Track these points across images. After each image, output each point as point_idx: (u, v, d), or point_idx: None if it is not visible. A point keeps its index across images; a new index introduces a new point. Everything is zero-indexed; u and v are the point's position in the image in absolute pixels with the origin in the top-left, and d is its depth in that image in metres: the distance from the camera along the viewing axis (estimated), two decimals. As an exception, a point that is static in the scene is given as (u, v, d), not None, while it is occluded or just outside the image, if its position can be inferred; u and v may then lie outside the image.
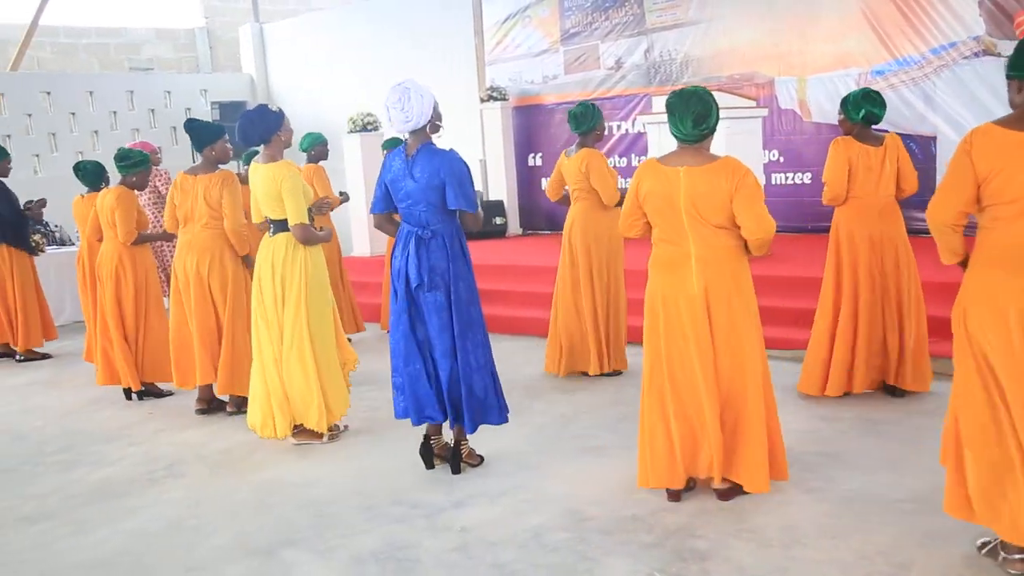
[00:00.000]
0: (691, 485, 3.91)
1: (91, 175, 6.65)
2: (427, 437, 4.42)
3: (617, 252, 5.88)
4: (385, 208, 4.35)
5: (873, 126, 4.98)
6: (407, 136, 4.20)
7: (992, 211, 3.00)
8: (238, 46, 14.63)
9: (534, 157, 10.95)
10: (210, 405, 5.63)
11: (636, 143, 9.77)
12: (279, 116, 4.76)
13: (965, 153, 2.99)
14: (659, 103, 8.06)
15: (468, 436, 4.39)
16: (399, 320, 4.27)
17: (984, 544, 3.20)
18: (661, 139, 7.51)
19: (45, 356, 7.71)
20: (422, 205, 4.14)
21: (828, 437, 4.55)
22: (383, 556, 3.53)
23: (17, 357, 7.64)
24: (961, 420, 3.09)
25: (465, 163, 4.19)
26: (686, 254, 3.70)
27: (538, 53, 10.81)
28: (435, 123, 4.17)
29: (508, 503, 3.98)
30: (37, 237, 8.03)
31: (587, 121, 5.83)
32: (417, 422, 4.34)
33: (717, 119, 3.69)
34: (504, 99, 10.79)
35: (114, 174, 6.25)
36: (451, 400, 4.25)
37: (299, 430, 4.91)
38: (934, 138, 7.94)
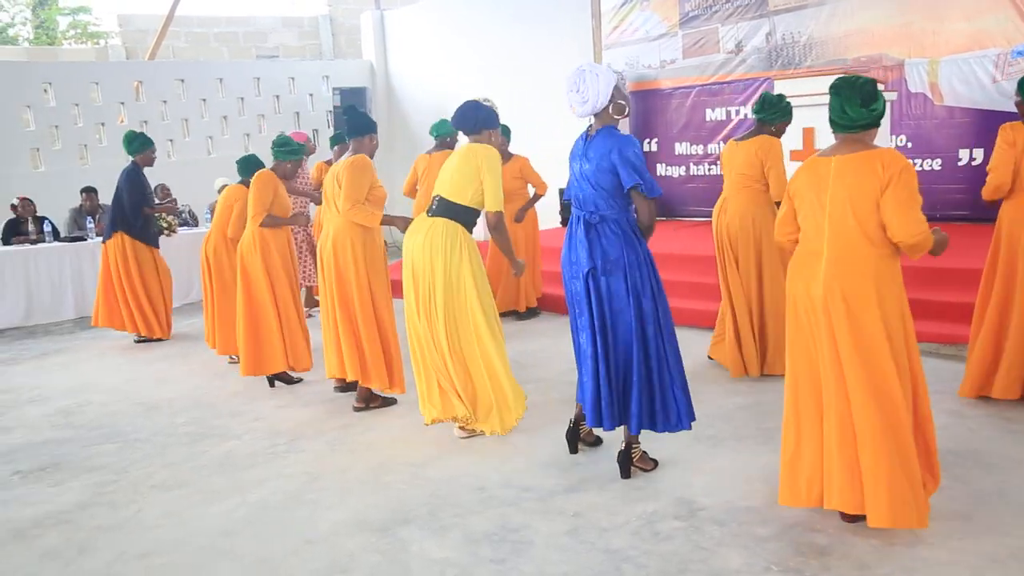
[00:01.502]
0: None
1: (252, 166, 6.66)
2: (575, 421, 4.42)
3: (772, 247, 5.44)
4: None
5: None
6: (591, 120, 4.04)
7: None
8: (359, 33, 14.94)
9: (650, 142, 10.81)
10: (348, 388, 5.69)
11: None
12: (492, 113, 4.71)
13: None
14: (781, 87, 7.84)
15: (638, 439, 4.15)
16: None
17: None
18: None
19: (156, 340, 7.92)
20: (592, 188, 3.93)
21: (959, 434, 4.36)
22: (496, 537, 3.57)
23: (136, 338, 7.93)
24: None
25: (639, 147, 3.91)
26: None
27: (656, 37, 10.65)
28: (618, 103, 3.93)
29: (619, 489, 3.97)
30: (170, 218, 8.38)
31: (775, 111, 5.51)
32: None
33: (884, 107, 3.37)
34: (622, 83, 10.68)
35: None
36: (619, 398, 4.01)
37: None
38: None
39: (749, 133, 5.64)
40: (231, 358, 6.80)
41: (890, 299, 3.29)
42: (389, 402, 5.43)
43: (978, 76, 7.86)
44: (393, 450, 4.68)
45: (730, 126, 9.89)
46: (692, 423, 4.01)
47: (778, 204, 5.19)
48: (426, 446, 4.70)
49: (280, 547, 3.62)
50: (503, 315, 6.83)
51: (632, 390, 3.93)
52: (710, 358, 5.95)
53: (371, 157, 5.27)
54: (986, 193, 4.63)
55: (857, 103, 3.31)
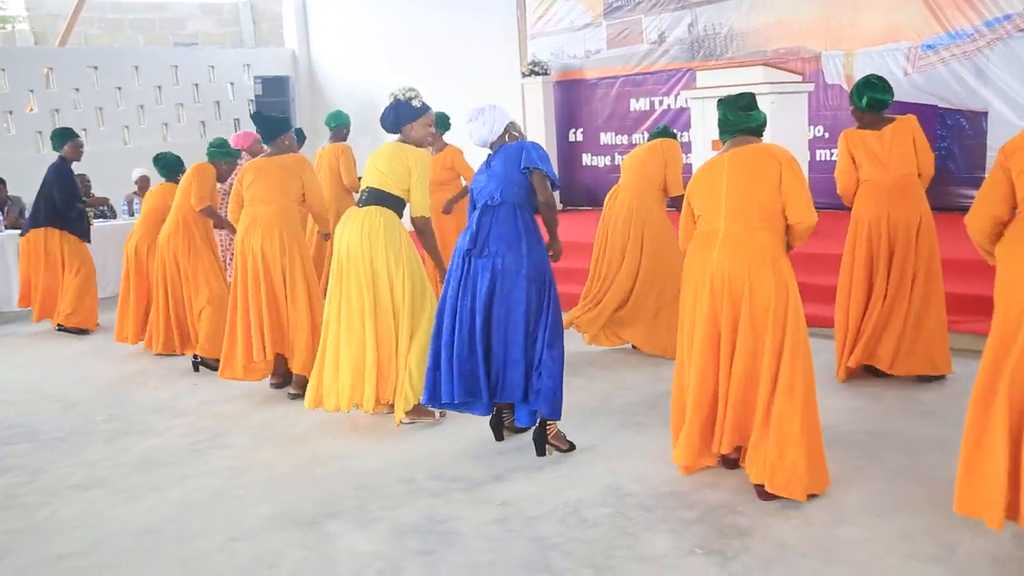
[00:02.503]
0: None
1: (172, 165, 6.81)
2: (499, 409, 4.44)
3: None
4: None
5: (884, 111, 4.90)
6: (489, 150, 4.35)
7: None
8: (281, 20, 14.67)
9: (575, 132, 10.88)
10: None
11: (679, 118, 9.65)
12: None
13: None
14: (703, 78, 7.95)
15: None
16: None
17: None
18: (705, 114, 7.41)
19: (83, 331, 7.74)
20: (498, 184, 4.20)
21: (873, 416, 4.50)
22: (424, 529, 3.56)
23: (56, 326, 7.76)
24: None
25: (542, 150, 4.26)
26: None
27: (581, 27, 10.71)
28: (512, 134, 4.31)
29: (547, 478, 4.00)
30: (89, 212, 8.20)
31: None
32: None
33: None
34: (546, 74, 10.71)
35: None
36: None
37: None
38: (985, 113, 7.74)
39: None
40: (148, 350, 6.72)
41: (782, 274, 3.59)
42: None
43: (891, 68, 8.07)
44: (321, 443, 4.64)
45: (654, 116, 10.00)
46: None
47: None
48: (355, 438, 4.67)
49: (204, 545, 3.56)
50: None
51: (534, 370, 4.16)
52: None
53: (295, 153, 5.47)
54: (840, 193, 5.03)
55: (736, 109, 3.72)
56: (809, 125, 8.27)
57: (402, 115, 4.68)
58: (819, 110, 8.65)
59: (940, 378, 4.98)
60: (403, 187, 4.65)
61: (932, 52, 8.01)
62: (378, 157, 4.71)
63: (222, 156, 6.26)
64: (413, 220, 4.72)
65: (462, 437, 4.55)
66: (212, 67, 12.96)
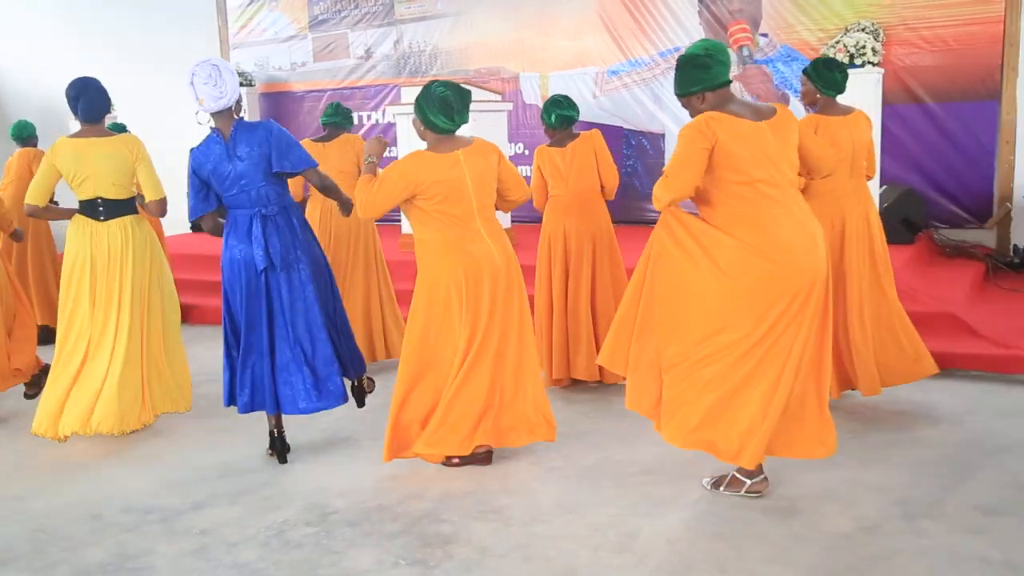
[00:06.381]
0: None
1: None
2: (277, 430, 4.30)
3: None
4: (207, 208, 4.13)
5: (571, 127, 5.18)
6: (211, 118, 4.05)
7: None
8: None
9: (283, 146, 10.66)
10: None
11: (387, 134, 9.73)
12: None
13: None
14: (408, 94, 8.08)
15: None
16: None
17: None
18: (410, 129, 7.48)
19: None
20: (261, 182, 4.05)
21: (569, 418, 4.75)
22: (112, 568, 3.31)
23: None
24: None
25: (279, 126, 4.16)
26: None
27: (286, 39, 10.54)
28: (239, 101, 4.11)
29: (251, 501, 3.86)
30: None
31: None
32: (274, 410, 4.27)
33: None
34: (251, 84, 10.41)
35: None
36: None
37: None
38: (663, 135, 8.52)
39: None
40: None
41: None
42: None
43: (581, 91, 8.66)
44: (-10, 484, 4.19)
45: (362, 131, 10.02)
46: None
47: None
48: (31, 477, 4.26)
49: None
50: None
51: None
52: None
53: None
54: (535, 204, 5.26)
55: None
56: (509, 142, 8.66)
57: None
58: (518, 128, 9.09)
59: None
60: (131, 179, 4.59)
61: (616, 77, 8.69)
62: (98, 161, 4.50)
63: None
64: (150, 206, 4.59)
65: (157, 464, 4.30)
66: None
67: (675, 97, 3.67)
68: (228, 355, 4.27)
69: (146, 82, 10.46)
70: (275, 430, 4.28)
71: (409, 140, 7.53)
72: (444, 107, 3.85)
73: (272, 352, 4.16)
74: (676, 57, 8.42)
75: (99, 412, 4.42)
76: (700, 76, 3.45)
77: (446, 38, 9.57)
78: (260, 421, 4.46)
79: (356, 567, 3.26)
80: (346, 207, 4.45)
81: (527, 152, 9.09)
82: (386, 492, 3.87)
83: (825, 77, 4.57)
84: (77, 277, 4.55)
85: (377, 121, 10.01)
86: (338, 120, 5.88)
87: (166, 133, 8.82)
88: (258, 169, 4.03)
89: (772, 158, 3.43)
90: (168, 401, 4.70)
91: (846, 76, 4.64)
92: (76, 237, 4.55)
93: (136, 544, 3.50)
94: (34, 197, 4.50)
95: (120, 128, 6.11)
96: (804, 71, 4.73)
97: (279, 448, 4.29)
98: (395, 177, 3.84)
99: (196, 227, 5.68)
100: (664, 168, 3.51)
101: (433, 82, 3.94)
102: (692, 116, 3.54)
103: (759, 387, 3.43)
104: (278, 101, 10.63)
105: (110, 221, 4.54)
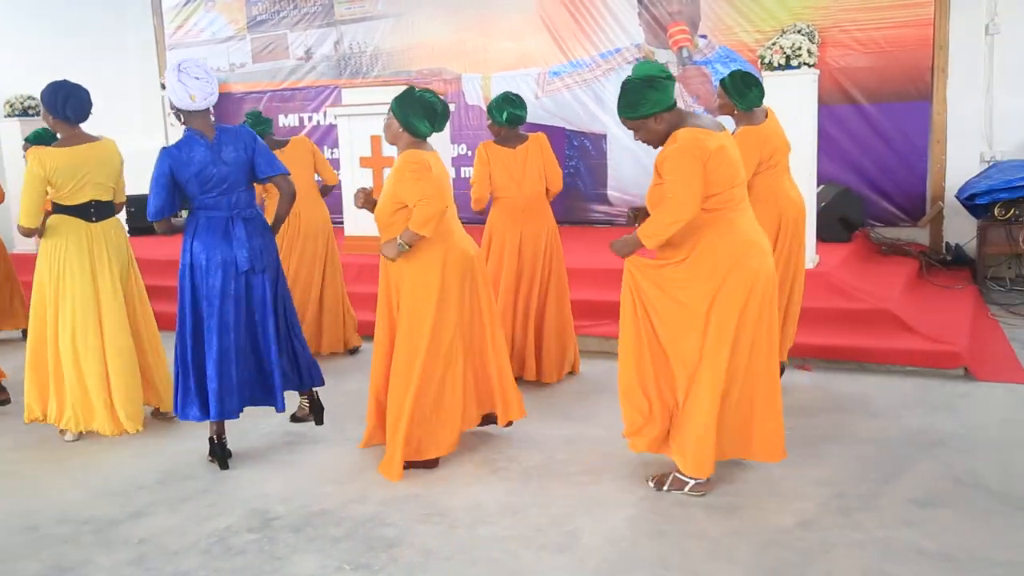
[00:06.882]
0: None
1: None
2: (219, 435, 4.25)
3: None
4: (174, 209, 4.05)
5: (520, 127, 5.19)
6: (194, 117, 4.07)
7: None
8: None
9: (222, 147, 10.50)
10: None
11: (328, 135, 9.67)
12: None
13: None
14: (349, 95, 8.02)
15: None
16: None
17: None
18: (352, 131, 7.47)
19: None
20: (242, 186, 4.10)
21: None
22: (47, 580, 3.24)
23: None
24: None
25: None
26: None
27: (224, 39, 10.39)
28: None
29: (191, 509, 3.80)
30: None
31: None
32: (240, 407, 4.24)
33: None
34: (188, 85, 10.23)
35: None
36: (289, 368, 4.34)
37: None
38: (605, 136, 8.58)
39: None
40: None
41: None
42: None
43: (523, 92, 8.65)
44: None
45: (303, 132, 9.93)
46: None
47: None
48: (-38, 489, 4.14)
49: None
50: None
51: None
52: None
53: None
54: (472, 204, 5.18)
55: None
56: (452, 143, 8.65)
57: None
58: (461, 129, 9.09)
59: (570, 374, 5.43)
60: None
61: (558, 78, 8.73)
62: (95, 166, 4.57)
63: None
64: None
65: (94, 473, 4.21)
66: None
67: (616, 99, 3.66)
68: (183, 361, 4.12)
69: (85, 82, 10.19)
70: (215, 436, 4.22)
71: (351, 142, 7.50)
72: (429, 113, 3.91)
73: (257, 351, 4.20)
74: (615, 58, 8.50)
75: (99, 414, 4.57)
76: (659, 98, 3.47)
77: (387, 39, 9.52)
78: (199, 427, 4.40)
79: (300, 573, 3.23)
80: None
81: (469, 153, 9.07)
82: (329, 497, 3.84)
83: (745, 96, 4.65)
84: (69, 273, 4.52)
85: (319, 123, 9.92)
86: (262, 129, 5.86)
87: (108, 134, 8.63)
88: (242, 173, 4.08)
89: (739, 166, 3.55)
90: (159, 398, 4.85)
91: (762, 91, 4.73)
92: (67, 236, 4.51)
93: (73, 556, 3.42)
94: (32, 220, 4.43)
95: (41, 134, 5.94)
96: (721, 83, 4.74)
97: (220, 454, 4.23)
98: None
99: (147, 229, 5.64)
100: (668, 195, 3.44)
101: (414, 87, 3.99)
102: (644, 139, 3.57)
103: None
104: (218, 102, 10.43)
105: (101, 222, 4.59)
